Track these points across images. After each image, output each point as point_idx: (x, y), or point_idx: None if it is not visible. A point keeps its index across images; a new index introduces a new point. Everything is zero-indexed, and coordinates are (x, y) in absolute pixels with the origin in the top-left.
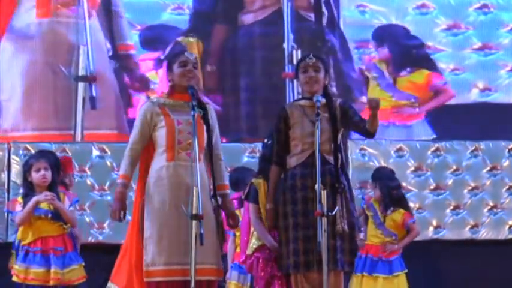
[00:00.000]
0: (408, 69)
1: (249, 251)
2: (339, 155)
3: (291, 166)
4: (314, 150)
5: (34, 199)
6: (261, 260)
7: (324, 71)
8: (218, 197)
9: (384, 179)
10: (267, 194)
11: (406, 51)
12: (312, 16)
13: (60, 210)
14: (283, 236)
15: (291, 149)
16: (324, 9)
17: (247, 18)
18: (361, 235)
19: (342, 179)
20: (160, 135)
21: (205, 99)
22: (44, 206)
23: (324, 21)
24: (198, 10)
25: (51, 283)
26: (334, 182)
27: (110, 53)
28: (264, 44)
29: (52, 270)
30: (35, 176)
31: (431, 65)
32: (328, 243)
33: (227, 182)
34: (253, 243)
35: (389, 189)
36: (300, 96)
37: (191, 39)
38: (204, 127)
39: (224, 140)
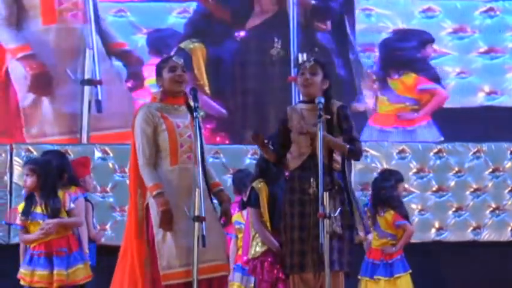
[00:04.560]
0: (400, 71)
1: (251, 255)
2: (334, 157)
3: (291, 168)
4: (311, 154)
5: (33, 237)
6: (266, 264)
7: (323, 75)
8: (215, 196)
9: (377, 180)
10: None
11: (396, 54)
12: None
13: (61, 226)
14: (283, 237)
15: (291, 151)
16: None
17: (252, 22)
18: (369, 236)
19: (335, 180)
20: (162, 139)
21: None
22: (39, 211)
23: (329, 26)
24: (200, 12)
25: (55, 285)
26: (329, 184)
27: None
28: (263, 48)
29: (55, 272)
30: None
31: (425, 68)
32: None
33: (217, 180)
34: (258, 247)
35: (378, 189)
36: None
37: (194, 44)
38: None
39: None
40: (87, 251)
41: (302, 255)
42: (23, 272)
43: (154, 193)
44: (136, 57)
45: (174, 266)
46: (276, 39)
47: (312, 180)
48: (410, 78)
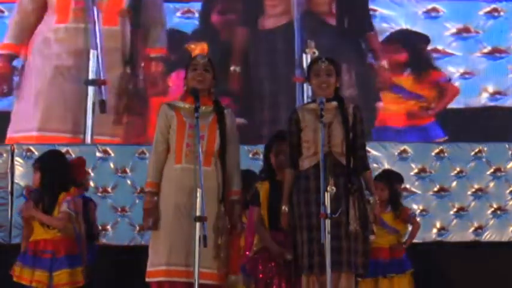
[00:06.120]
0: (409, 69)
1: (251, 253)
2: (351, 157)
3: (304, 168)
4: (327, 153)
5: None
6: (260, 261)
7: (336, 74)
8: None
9: (394, 179)
10: (283, 196)
11: (402, 55)
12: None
13: (40, 219)
14: (298, 237)
15: (303, 151)
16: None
17: (268, 23)
18: (372, 237)
19: (353, 180)
20: (172, 137)
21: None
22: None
23: (345, 25)
24: (207, 12)
25: (34, 284)
26: (347, 183)
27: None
28: (286, 50)
29: (36, 272)
30: None
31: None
32: (341, 244)
33: (235, 188)
34: (255, 245)
35: (397, 189)
36: (310, 100)
37: (195, 43)
38: (218, 131)
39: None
40: (84, 251)
41: (321, 255)
42: (15, 267)
43: (145, 189)
44: None
45: (158, 264)
46: (308, 41)
47: (329, 179)
48: (423, 74)
